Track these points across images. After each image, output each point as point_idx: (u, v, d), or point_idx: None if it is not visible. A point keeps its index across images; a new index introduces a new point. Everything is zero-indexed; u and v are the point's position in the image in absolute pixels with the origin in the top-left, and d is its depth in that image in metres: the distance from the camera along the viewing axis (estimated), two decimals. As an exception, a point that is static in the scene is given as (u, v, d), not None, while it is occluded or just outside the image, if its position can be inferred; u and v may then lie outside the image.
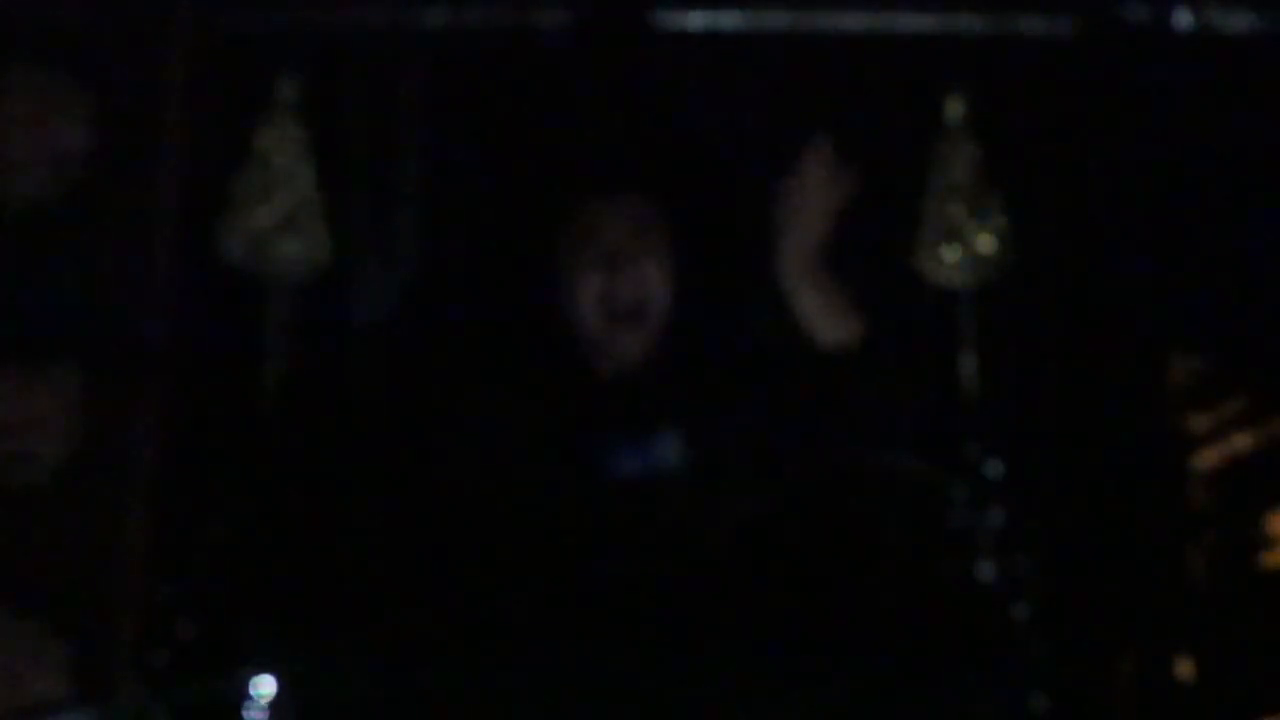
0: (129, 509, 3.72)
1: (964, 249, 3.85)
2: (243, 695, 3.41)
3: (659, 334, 3.59)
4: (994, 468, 3.74)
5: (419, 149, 4.05)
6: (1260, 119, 3.92)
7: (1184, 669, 3.78)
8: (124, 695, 3.58)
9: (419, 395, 3.77)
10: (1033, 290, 3.92)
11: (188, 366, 3.81)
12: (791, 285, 3.43)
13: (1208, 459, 3.89)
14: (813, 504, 3.53)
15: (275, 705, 3.41)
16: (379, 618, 3.49)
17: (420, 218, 4.05)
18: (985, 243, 3.85)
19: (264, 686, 3.41)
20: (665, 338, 3.60)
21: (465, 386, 3.71)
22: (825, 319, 3.45)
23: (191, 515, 3.75)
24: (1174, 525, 3.88)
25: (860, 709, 3.41)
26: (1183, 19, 3.90)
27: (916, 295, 3.89)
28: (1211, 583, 3.86)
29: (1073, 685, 3.69)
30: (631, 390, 3.62)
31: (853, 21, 3.93)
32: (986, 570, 3.66)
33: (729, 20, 3.93)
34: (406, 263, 4.04)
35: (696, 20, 3.93)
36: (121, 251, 3.78)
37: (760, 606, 3.44)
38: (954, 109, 3.88)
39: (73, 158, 3.78)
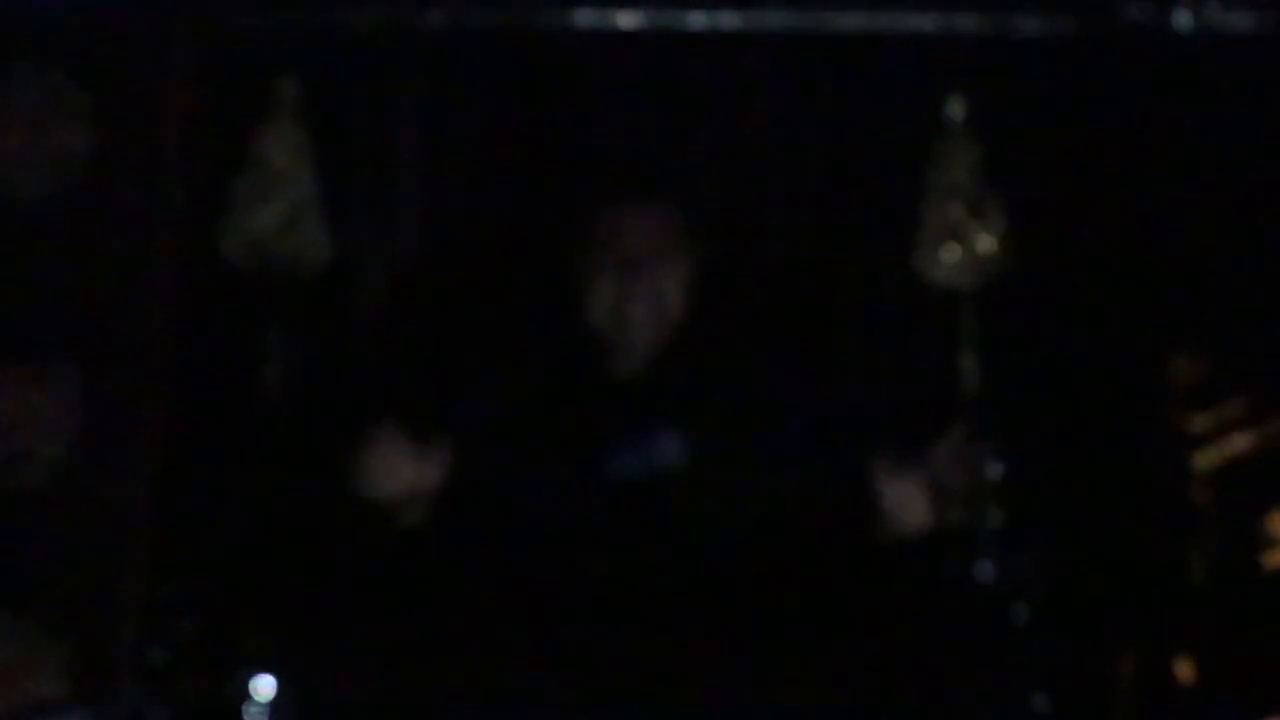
0: (129, 509, 3.71)
1: (964, 249, 3.85)
2: (243, 695, 3.41)
3: (670, 338, 3.60)
4: (994, 468, 3.74)
5: (419, 149, 4.05)
6: (1260, 119, 3.92)
7: (1184, 669, 3.78)
8: (124, 695, 3.58)
9: (419, 394, 3.77)
10: (1033, 290, 3.92)
11: (188, 366, 3.81)
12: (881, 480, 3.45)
13: (1208, 459, 3.89)
14: (813, 504, 3.53)
15: (275, 705, 3.41)
16: (378, 618, 3.49)
17: (420, 217, 4.05)
18: (985, 243, 3.85)
19: (264, 686, 3.41)
20: (674, 336, 3.61)
21: (465, 387, 3.71)
22: (906, 508, 3.47)
23: (192, 515, 3.75)
24: (1174, 525, 3.87)
25: (861, 708, 3.41)
26: (1183, 19, 3.89)
27: (916, 295, 3.89)
28: (1211, 583, 3.86)
29: (1073, 685, 3.68)
30: (634, 391, 3.62)
31: (853, 21, 3.93)
32: (986, 570, 3.66)
33: (729, 20, 3.93)
34: (406, 262, 4.04)
35: (697, 20, 3.93)
36: (121, 251, 3.78)
37: (761, 606, 3.44)
38: (954, 109, 3.88)
39: (73, 158, 3.78)
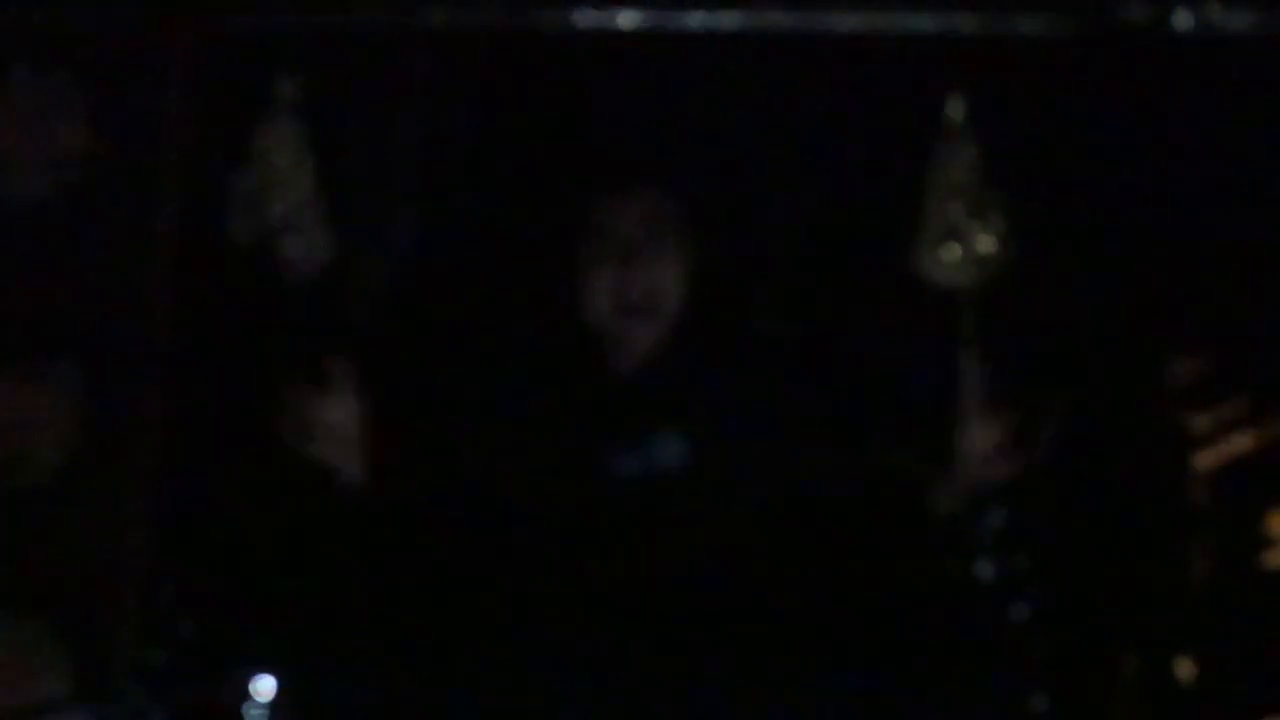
0: (129, 509, 3.72)
1: (964, 249, 3.85)
2: (243, 695, 3.42)
3: (670, 329, 3.60)
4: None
5: (419, 149, 4.05)
6: (1260, 119, 3.92)
7: (1184, 669, 3.78)
8: (124, 695, 3.58)
9: (419, 394, 3.77)
10: (1033, 290, 3.92)
11: (188, 366, 3.81)
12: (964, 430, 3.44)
13: (1208, 459, 3.89)
14: (813, 504, 3.53)
15: (275, 705, 3.41)
16: (378, 618, 3.49)
17: (421, 216, 4.05)
18: (985, 243, 3.85)
19: (264, 686, 3.42)
20: (675, 335, 3.61)
21: (466, 385, 3.71)
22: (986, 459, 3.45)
23: (192, 515, 3.75)
24: (1174, 525, 3.88)
25: (860, 708, 3.41)
26: (1183, 19, 3.90)
27: (916, 295, 3.89)
28: (1211, 583, 3.86)
29: (1073, 685, 3.68)
30: (636, 389, 3.62)
31: (853, 21, 3.93)
32: (986, 570, 3.66)
33: (729, 20, 3.93)
34: (407, 262, 4.04)
35: (697, 20, 3.93)
36: (122, 251, 3.78)
37: (760, 606, 3.44)
38: (954, 109, 3.88)
39: (73, 158, 3.78)
